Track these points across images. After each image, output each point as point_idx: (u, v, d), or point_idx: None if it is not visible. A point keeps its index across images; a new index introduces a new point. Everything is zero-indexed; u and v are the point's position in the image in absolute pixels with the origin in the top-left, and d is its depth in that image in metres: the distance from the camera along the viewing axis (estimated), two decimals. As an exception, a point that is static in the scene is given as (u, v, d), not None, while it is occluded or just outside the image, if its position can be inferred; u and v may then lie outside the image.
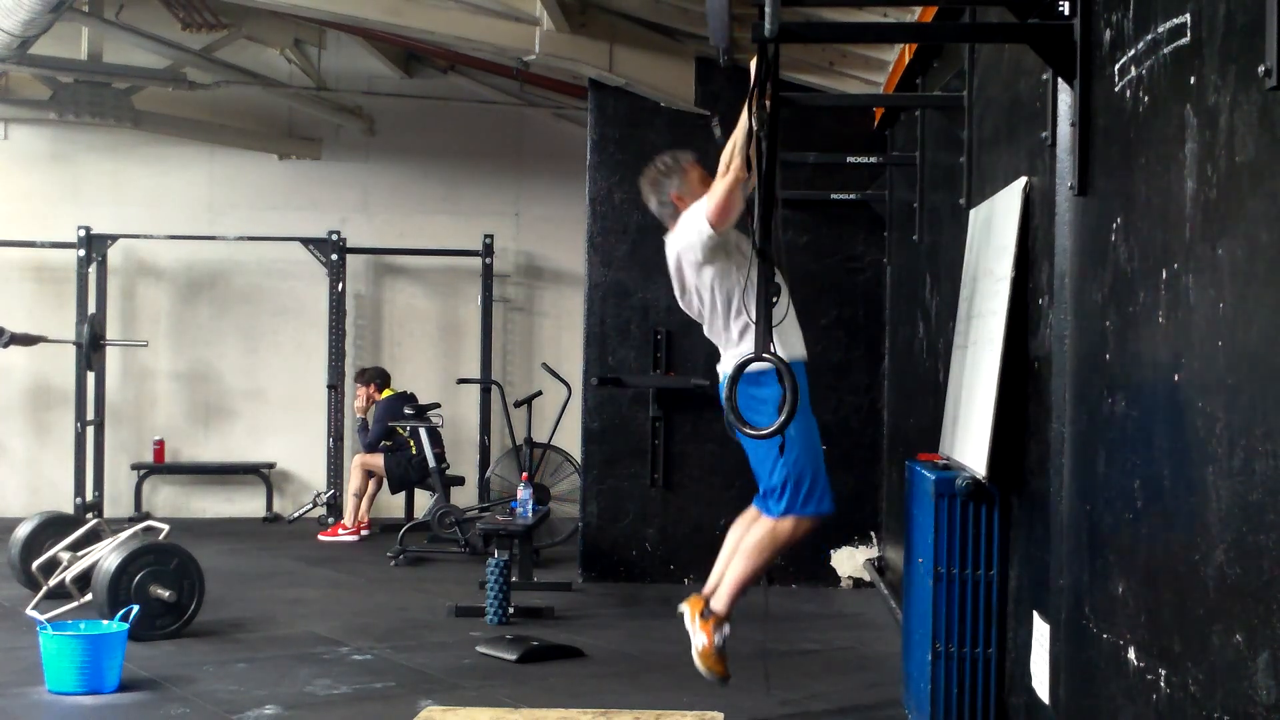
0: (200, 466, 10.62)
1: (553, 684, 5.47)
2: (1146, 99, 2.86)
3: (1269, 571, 2.14)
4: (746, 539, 4.76)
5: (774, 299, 3.90)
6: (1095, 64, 3.28)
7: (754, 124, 3.87)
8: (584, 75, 7.96)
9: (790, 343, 4.59)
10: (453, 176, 10.80)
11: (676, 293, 4.94)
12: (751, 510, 4.85)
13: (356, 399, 9.81)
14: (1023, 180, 4.09)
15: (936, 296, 5.81)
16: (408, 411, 9.43)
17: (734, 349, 4.71)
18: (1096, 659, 3.13)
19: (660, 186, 4.91)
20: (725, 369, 4.77)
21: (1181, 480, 2.58)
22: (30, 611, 5.99)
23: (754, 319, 3.94)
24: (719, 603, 4.77)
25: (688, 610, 4.85)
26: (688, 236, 4.69)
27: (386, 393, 9.70)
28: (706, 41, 6.85)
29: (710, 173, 4.80)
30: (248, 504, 10.59)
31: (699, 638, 4.77)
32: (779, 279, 4.18)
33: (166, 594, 6.05)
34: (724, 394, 4.11)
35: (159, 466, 10.48)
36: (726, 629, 4.78)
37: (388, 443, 9.54)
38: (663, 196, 4.91)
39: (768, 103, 3.82)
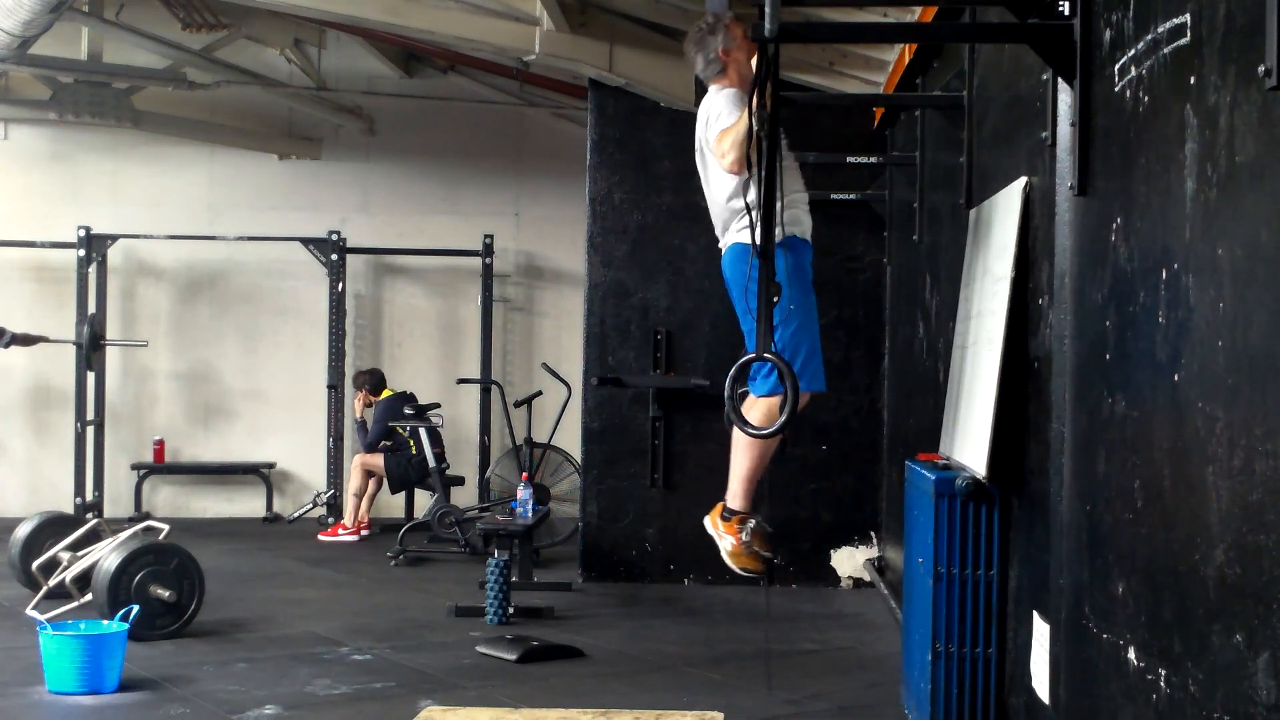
0: (200, 466, 10.62)
1: (553, 684, 5.47)
2: (1146, 99, 2.86)
3: (1269, 571, 2.14)
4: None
5: (774, 298, 3.90)
6: (1095, 64, 3.28)
7: (754, 124, 3.87)
8: (584, 75, 7.96)
9: (799, 219, 4.71)
10: (453, 176, 10.80)
11: (698, 160, 4.94)
12: (748, 400, 4.78)
13: (355, 403, 9.82)
14: (1023, 180, 4.09)
15: (936, 296, 5.81)
16: (408, 411, 9.43)
17: (734, 224, 4.73)
18: (1096, 659, 3.13)
19: (706, 44, 4.83)
20: (728, 242, 4.83)
21: (1181, 480, 2.58)
22: (30, 611, 6.00)
23: (754, 315, 3.93)
24: (735, 500, 4.75)
25: (709, 521, 4.83)
26: (712, 140, 4.66)
27: (386, 393, 9.70)
28: (706, 41, 6.84)
29: None
30: (248, 504, 10.59)
31: (725, 540, 4.75)
32: (788, 158, 4.20)
33: (166, 594, 6.05)
34: (726, 392, 4.07)
35: (159, 466, 10.48)
36: (751, 524, 4.74)
37: (387, 443, 9.54)
38: (709, 54, 4.83)
39: (768, 103, 3.82)
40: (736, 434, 4.66)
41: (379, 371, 9.97)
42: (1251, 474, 2.22)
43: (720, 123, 4.63)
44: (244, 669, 5.65)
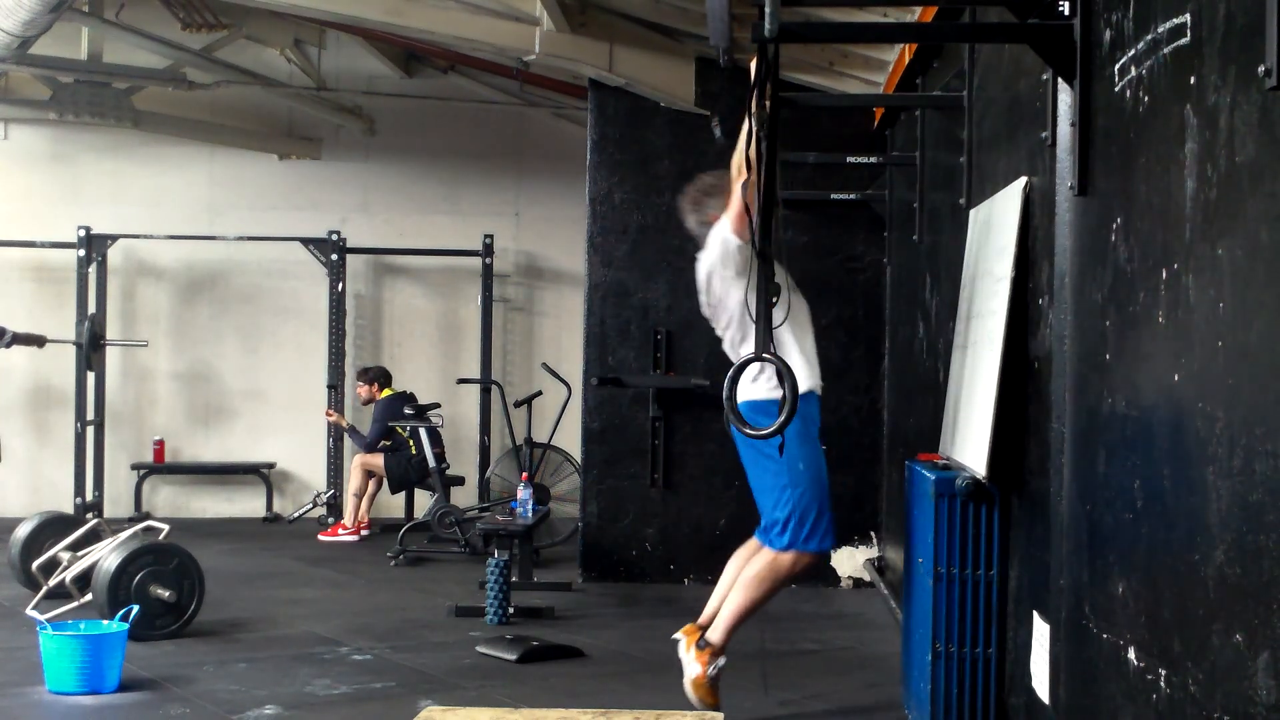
0: (200, 466, 10.62)
1: (553, 684, 5.47)
2: (1146, 99, 2.86)
3: (1269, 571, 2.14)
4: (746, 571, 4.73)
5: (774, 299, 3.90)
6: (1095, 64, 3.28)
7: (754, 124, 3.87)
8: (584, 75, 7.96)
9: (809, 374, 4.62)
10: (453, 176, 10.80)
11: (705, 309, 4.87)
12: (752, 542, 4.82)
13: (359, 392, 9.80)
14: (1023, 180, 4.09)
15: (936, 296, 5.80)
16: (407, 411, 9.44)
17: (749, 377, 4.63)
18: (1096, 659, 3.13)
19: (701, 206, 4.87)
20: (747, 396, 4.67)
21: (1181, 480, 2.58)
22: (30, 611, 5.99)
23: (754, 317, 3.93)
24: (715, 634, 4.76)
25: (683, 639, 4.83)
26: (715, 251, 4.67)
27: (386, 392, 9.70)
28: (706, 41, 6.85)
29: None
30: (248, 504, 10.59)
31: (692, 667, 4.76)
32: (787, 282, 4.19)
33: (166, 594, 6.05)
34: (725, 392, 4.08)
35: (159, 466, 10.48)
36: (721, 661, 4.76)
37: (387, 442, 9.54)
38: (703, 216, 4.85)
39: (768, 103, 3.82)
40: (744, 570, 4.66)
41: (386, 370, 9.96)
42: (1251, 474, 2.22)
43: (723, 222, 4.61)
44: (244, 669, 5.65)
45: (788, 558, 4.65)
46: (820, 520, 4.65)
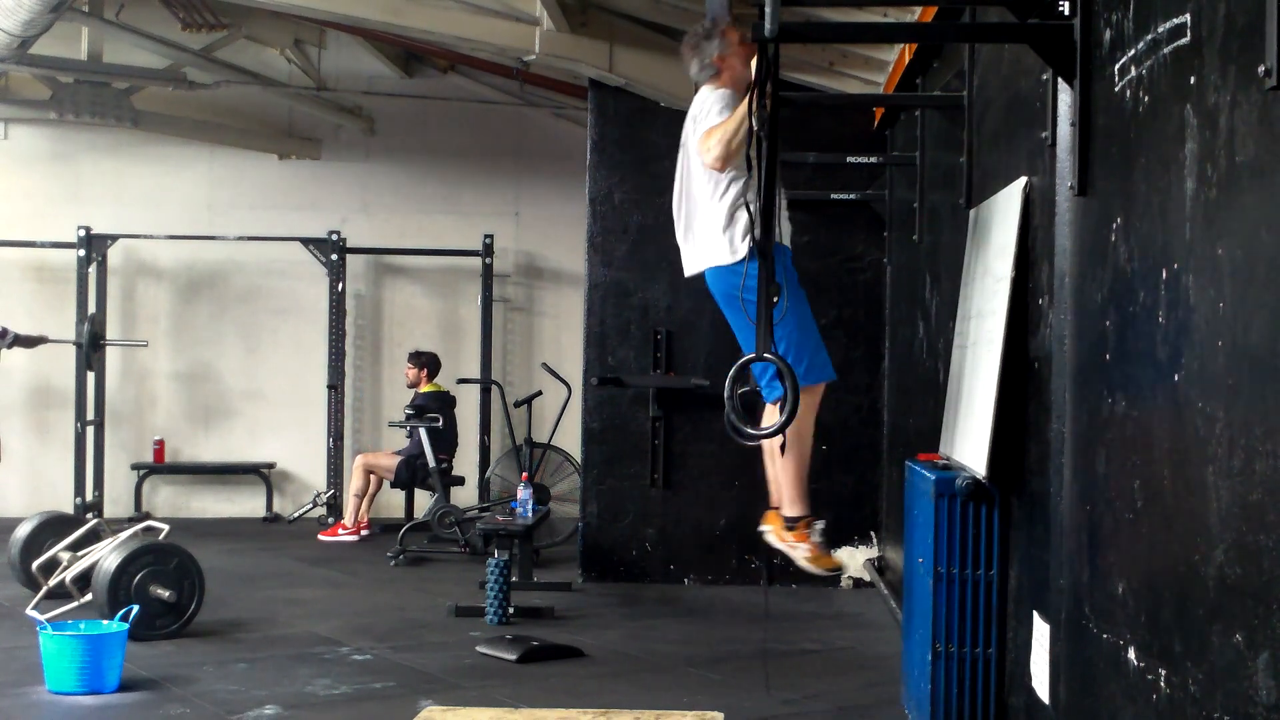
0: (200, 466, 10.62)
1: (553, 684, 5.47)
2: (1146, 99, 2.86)
3: (1269, 571, 2.14)
4: (774, 440, 4.69)
5: (774, 299, 3.90)
6: (1095, 64, 3.28)
7: (754, 124, 3.86)
8: (584, 75, 7.96)
9: (783, 227, 4.65)
10: (453, 176, 10.80)
11: (680, 159, 4.88)
12: (770, 410, 4.75)
13: (408, 374, 9.73)
14: (1023, 180, 4.09)
15: (936, 296, 5.80)
16: (407, 411, 9.44)
17: (709, 234, 4.66)
18: (1096, 659, 3.13)
19: (702, 50, 4.81)
20: (696, 260, 4.75)
21: (1181, 480, 2.58)
22: (30, 611, 5.99)
23: (754, 319, 3.92)
24: (794, 507, 4.72)
25: (771, 531, 4.78)
26: (697, 139, 4.63)
27: (431, 386, 9.67)
28: (706, 41, 6.84)
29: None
30: (248, 504, 10.59)
31: (799, 549, 4.71)
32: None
33: (166, 594, 6.05)
34: (726, 392, 4.06)
35: (159, 466, 10.48)
36: (819, 524, 4.72)
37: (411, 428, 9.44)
38: (704, 60, 4.80)
39: (768, 103, 3.82)
40: (775, 441, 4.62)
41: (439, 360, 9.90)
42: (1251, 474, 2.22)
43: (708, 120, 4.62)
44: (244, 669, 5.65)
45: (802, 399, 4.58)
46: (817, 354, 4.66)
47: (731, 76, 4.77)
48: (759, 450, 4.93)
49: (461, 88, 10.59)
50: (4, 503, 10.30)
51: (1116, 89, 3.07)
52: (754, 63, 3.83)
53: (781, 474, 4.72)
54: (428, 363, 9.78)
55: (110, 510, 10.01)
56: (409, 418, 9.37)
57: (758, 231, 3.89)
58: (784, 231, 4.74)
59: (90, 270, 10.04)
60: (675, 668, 5.85)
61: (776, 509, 4.78)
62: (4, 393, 10.46)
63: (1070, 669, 3.41)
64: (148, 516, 9.42)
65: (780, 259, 4.59)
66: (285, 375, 10.67)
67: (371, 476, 9.60)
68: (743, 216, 4.47)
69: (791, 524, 4.71)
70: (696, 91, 4.95)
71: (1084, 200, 3.36)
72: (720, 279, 4.68)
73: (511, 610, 6.60)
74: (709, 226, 4.68)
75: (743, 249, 4.50)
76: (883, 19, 5.81)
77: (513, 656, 5.80)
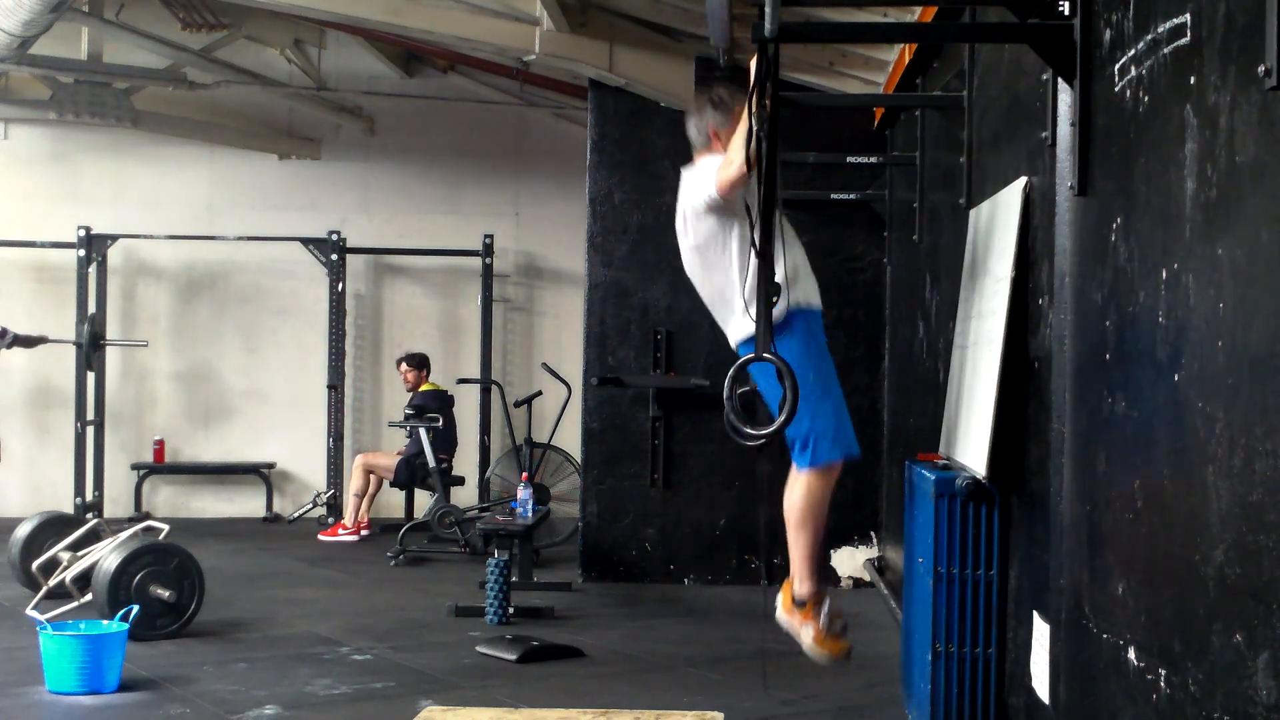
0: (200, 466, 10.62)
1: (553, 684, 5.47)
2: (1146, 99, 2.86)
3: (1269, 571, 2.14)
4: (790, 510, 4.54)
5: (774, 299, 3.89)
6: (1095, 64, 3.28)
7: (754, 124, 3.86)
8: (584, 75, 7.96)
9: (807, 289, 4.53)
10: (453, 176, 10.80)
11: (681, 243, 4.72)
12: (791, 472, 4.62)
13: (407, 378, 9.75)
14: (1023, 180, 4.09)
15: (936, 296, 5.80)
16: (407, 412, 9.44)
17: (738, 311, 4.55)
18: (1096, 659, 3.13)
19: (705, 115, 4.68)
20: (735, 334, 4.62)
21: (1181, 480, 2.58)
22: (30, 611, 5.99)
23: (754, 316, 3.91)
24: (803, 585, 4.52)
25: (780, 612, 4.59)
26: (695, 192, 4.53)
27: (428, 385, 9.69)
28: (706, 41, 6.85)
29: None
30: (248, 504, 10.59)
31: (805, 630, 4.49)
32: (786, 229, 4.14)
33: (166, 594, 6.05)
34: (726, 391, 4.05)
35: (159, 466, 10.48)
36: (825, 605, 4.50)
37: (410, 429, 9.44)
38: (703, 125, 4.69)
39: (768, 103, 3.81)
40: (789, 512, 4.50)
41: (427, 356, 9.91)
42: (1251, 474, 2.22)
43: (711, 169, 4.44)
44: (244, 669, 5.65)
45: (819, 473, 4.47)
46: (840, 428, 4.50)
47: (720, 151, 4.58)
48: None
49: (461, 88, 10.59)
50: (4, 503, 10.31)
51: (1116, 89, 3.07)
52: (753, 63, 3.81)
53: (792, 547, 4.54)
54: (423, 362, 9.79)
55: (110, 510, 10.01)
56: (408, 418, 9.37)
57: (758, 239, 3.87)
58: (809, 290, 4.60)
59: (90, 270, 10.04)
60: (675, 668, 5.85)
61: (791, 591, 4.57)
62: (4, 393, 10.47)
63: (1070, 669, 3.41)
64: (148, 516, 9.42)
65: (807, 323, 4.49)
66: (285, 375, 10.67)
67: (371, 476, 9.60)
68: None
69: (801, 603, 4.51)
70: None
71: (1084, 200, 3.36)
72: (747, 350, 4.59)
73: (511, 610, 6.60)
74: (739, 303, 4.51)
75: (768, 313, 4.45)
76: (883, 19, 5.81)
77: (513, 656, 5.80)
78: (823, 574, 4.57)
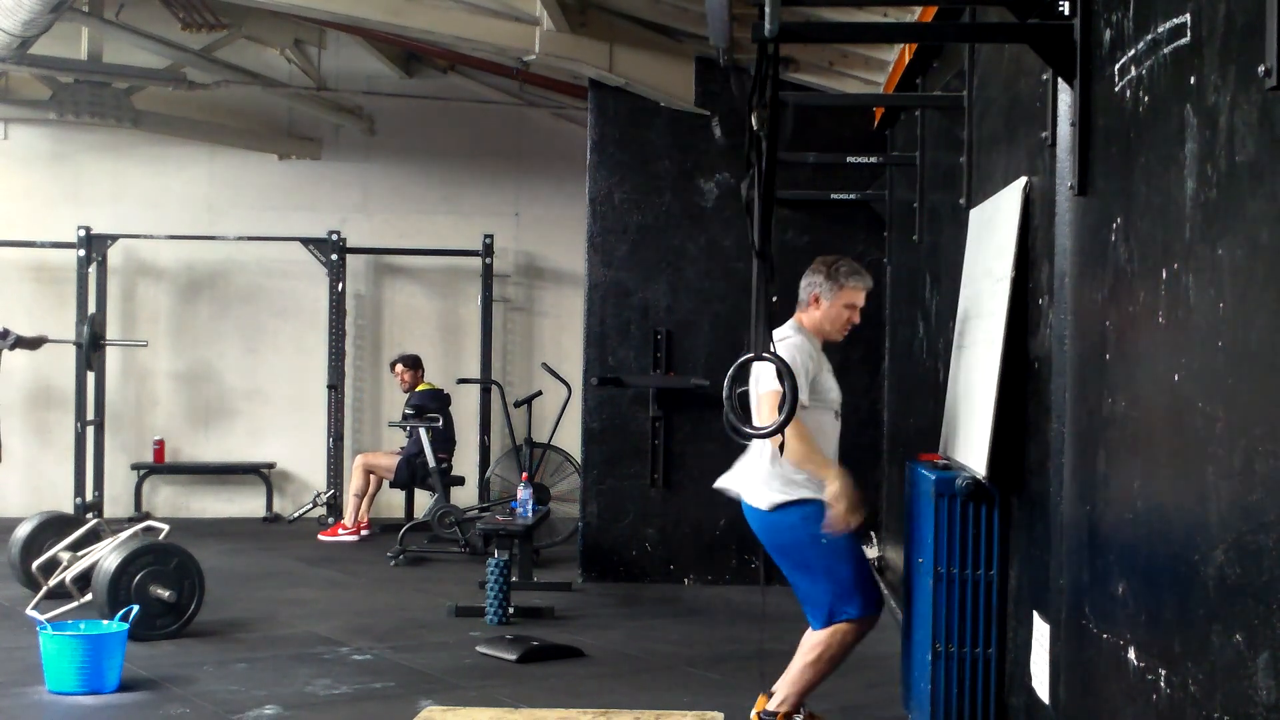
0: (200, 466, 10.62)
1: (553, 684, 5.47)
2: (1146, 99, 2.86)
3: (1269, 571, 2.14)
4: (805, 644, 4.61)
5: (774, 299, 3.88)
6: (1095, 64, 3.28)
7: (754, 124, 3.86)
8: (584, 75, 7.96)
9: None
10: (453, 176, 10.80)
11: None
12: (806, 635, 4.69)
13: (403, 379, 9.76)
14: (1023, 180, 4.09)
15: (936, 296, 5.80)
16: (406, 412, 9.44)
17: (750, 472, 4.66)
18: (1096, 659, 3.13)
19: (817, 281, 4.67)
20: (733, 483, 4.77)
21: (1181, 480, 2.58)
22: (30, 611, 5.99)
23: (756, 336, 3.90)
24: (781, 704, 4.61)
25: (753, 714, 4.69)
26: (759, 375, 4.48)
27: (424, 385, 9.70)
28: (706, 41, 6.86)
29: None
30: (248, 504, 10.59)
31: None
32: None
33: (166, 594, 6.05)
34: (725, 392, 4.04)
35: (159, 466, 10.48)
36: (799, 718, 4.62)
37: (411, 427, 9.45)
38: (809, 288, 4.69)
39: (768, 103, 3.81)
40: (809, 644, 4.54)
41: (419, 356, 9.93)
42: (1251, 474, 2.22)
43: (761, 385, 4.48)
44: (244, 669, 5.65)
45: (836, 633, 4.52)
46: (865, 585, 4.53)
47: (813, 320, 4.66)
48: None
49: (461, 88, 10.58)
50: (4, 503, 10.30)
51: (1116, 89, 3.07)
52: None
53: (792, 667, 4.62)
54: (417, 362, 9.80)
55: (110, 510, 10.01)
56: (408, 418, 9.37)
57: (758, 240, 3.87)
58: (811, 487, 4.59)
59: (90, 270, 10.04)
60: (675, 668, 5.85)
61: (768, 695, 4.66)
62: (4, 393, 10.43)
63: (1070, 669, 3.41)
64: (148, 516, 9.42)
65: (805, 518, 4.52)
66: (285, 375, 10.67)
67: (371, 476, 9.60)
68: (778, 474, 4.48)
69: (769, 715, 4.60)
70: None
71: (1084, 200, 3.36)
72: (751, 516, 4.67)
73: (511, 610, 6.60)
74: (751, 465, 4.63)
75: (768, 502, 4.54)
76: (883, 19, 5.81)
77: (513, 656, 5.80)
78: (797, 707, 4.65)
